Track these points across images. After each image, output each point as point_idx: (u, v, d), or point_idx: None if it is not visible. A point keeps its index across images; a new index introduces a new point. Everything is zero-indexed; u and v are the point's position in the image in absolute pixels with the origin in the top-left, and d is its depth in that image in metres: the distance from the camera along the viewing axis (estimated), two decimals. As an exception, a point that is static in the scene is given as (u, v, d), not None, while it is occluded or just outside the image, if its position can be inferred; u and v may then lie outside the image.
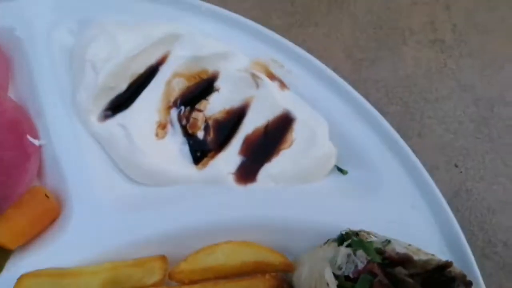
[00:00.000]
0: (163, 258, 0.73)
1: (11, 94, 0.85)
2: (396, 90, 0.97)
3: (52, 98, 0.82)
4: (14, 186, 0.78)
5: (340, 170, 0.84)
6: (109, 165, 0.81)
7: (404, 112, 0.95)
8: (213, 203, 0.78)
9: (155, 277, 0.72)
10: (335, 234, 0.75)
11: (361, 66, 0.97)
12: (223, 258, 0.75)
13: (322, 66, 0.86)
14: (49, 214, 0.75)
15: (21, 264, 0.72)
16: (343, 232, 0.70)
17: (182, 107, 0.84)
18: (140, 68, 0.84)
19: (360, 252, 0.63)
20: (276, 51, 0.87)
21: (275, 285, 0.74)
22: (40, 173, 0.80)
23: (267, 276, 0.74)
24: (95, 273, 0.69)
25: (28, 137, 0.80)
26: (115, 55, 0.81)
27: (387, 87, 0.97)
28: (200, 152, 0.82)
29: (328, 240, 0.74)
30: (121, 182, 0.80)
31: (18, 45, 0.85)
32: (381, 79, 0.97)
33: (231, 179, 0.80)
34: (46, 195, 0.75)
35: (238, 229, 0.77)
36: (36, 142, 0.80)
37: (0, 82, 0.85)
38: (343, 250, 0.63)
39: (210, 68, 0.85)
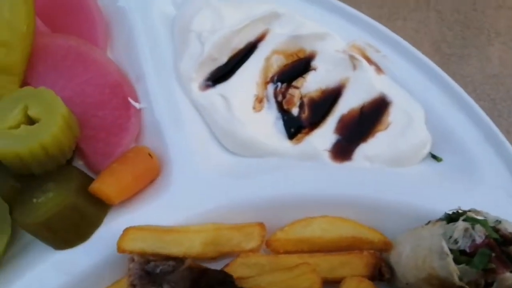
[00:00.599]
0: (261, 225, 0.73)
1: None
2: (483, 87, 0.97)
3: (153, 64, 0.84)
4: (116, 144, 0.79)
5: (435, 157, 0.83)
6: (207, 133, 0.83)
7: (492, 109, 0.95)
8: (309, 177, 0.78)
9: (253, 242, 0.72)
10: (432, 217, 0.74)
11: (449, 60, 0.98)
12: (319, 231, 0.75)
13: (418, 53, 0.87)
14: (151, 173, 0.76)
15: (121, 220, 0.73)
16: (450, 212, 0.70)
17: (279, 83, 0.86)
18: (240, 43, 0.86)
19: (478, 227, 0.62)
20: (372, 36, 0.89)
21: (373, 262, 0.73)
22: (139, 136, 0.82)
23: (364, 252, 0.73)
24: (198, 232, 0.70)
25: (130, 99, 0.83)
26: (220, 28, 0.85)
27: (475, 83, 0.97)
28: (294, 128, 0.83)
29: (429, 221, 0.74)
30: (217, 150, 0.82)
31: (119, 11, 0.89)
32: (468, 75, 0.98)
33: (326, 155, 0.80)
34: (149, 154, 0.76)
35: (333, 205, 0.77)
36: (136, 105, 0.83)
37: (101, 45, 0.89)
38: (461, 224, 0.62)
39: (308, 48, 0.87)
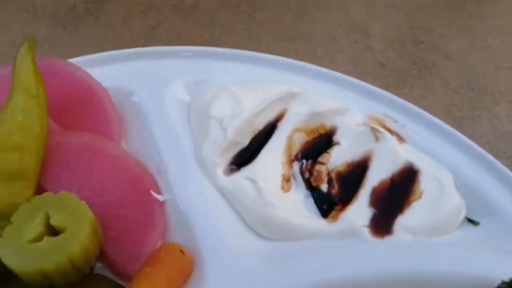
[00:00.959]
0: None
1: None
2: (498, 145, 0.98)
3: (173, 153, 0.82)
4: (143, 244, 0.74)
5: (472, 221, 0.81)
6: (237, 220, 0.79)
7: (510, 166, 0.95)
8: (352, 257, 0.74)
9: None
10: (488, 286, 0.71)
11: (461, 123, 0.99)
12: (373, 316, 0.69)
13: (434, 119, 0.88)
14: (185, 271, 0.70)
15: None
16: (508, 280, 0.66)
17: (304, 161, 0.84)
18: (260, 124, 0.85)
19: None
20: (387, 107, 0.90)
21: None
22: (166, 231, 0.77)
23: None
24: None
25: (152, 192, 0.79)
26: (240, 112, 0.84)
27: (490, 142, 0.98)
28: (326, 204, 0.81)
29: None
30: (249, 237, 0.77)
31: (133, 105, 0.88)
32: (482, 135, 0.99)
33: (367, 232, 0.77)
34: (181, 251, 0.71)
35: (384, 284, 0.73)
36: (160, 197, 0.79)
37: (116, 139, 0.86)
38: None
39: (328, 123, 0.87)
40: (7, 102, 0.77)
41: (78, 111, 0.87)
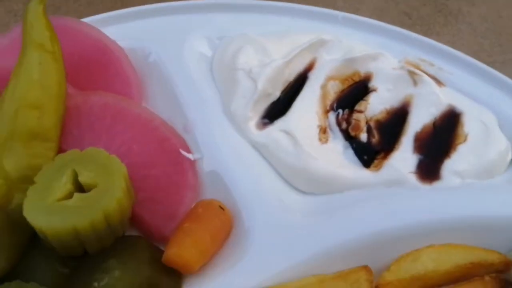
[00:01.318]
0: (366, 268, 0.63)
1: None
2: (533, 88, 0.95)
3: (199, 110, 0.76)
4: (178, 203, 0.69)
5: (519, 163, 0.78)
6: (274, 175, 0.74)
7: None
8: (403, 205, 0.69)
9: (363, 290, 0.62)
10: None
11: (493, 67, 0.96)
12: (431, 263, 0.65)
13: (472, 60, 0.84)
14: (226, 228, 0.66)
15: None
16: None
17: (340, 110, 0.79)
18: (291, 74, 0.80)
19: None
20: (421, 51, 0.85)
21: (498, 286, 0.64)
22: (201, 189, 0.71)
23: (486, 278, 0.64)
24: None
25: (182, 151, 0.74)
26: (269, 62, 0.79)
27: (525, 86, 0.95)
28: (368, 154, 0.76)
29: None
30: (289, 192, 0.72)
31: (152, 66, 0.82)
32: (515, 79, 0.96)
33: (414, 178, 0.72)
34: (220, 207, 0.66)
35: (436, 232, 0.67)
36: (191, 156, 0.73)
37: (136, 99, 0.81)
38: None
39: (362, 70, 0.81)
40: (21, 58, 0.71)
41: (94, 73, 0.80)
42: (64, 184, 0.60)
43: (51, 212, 0.58)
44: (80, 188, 0.62)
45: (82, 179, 0.61)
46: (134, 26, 0.85)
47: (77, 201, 0.59)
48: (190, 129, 0.76)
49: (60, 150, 0.71)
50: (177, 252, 0.59)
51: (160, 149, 0.73)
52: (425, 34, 0.99)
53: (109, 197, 0.58)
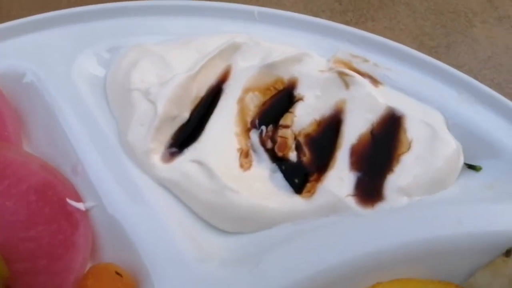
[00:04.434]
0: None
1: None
2: (483, 73, 0.86)
3: (90, 146, 0.63)
4: (65, 271, 0.57)
5: (472, 167, 0.69)
6: (189, 217, 0.63)
7: (501, 93, 0.85)
8: (341, 238, 0.59)
9: None
10: (508, 241, 0.60)
11: (438, 53, 0.87)
12: (379, 306, 0.57)
13: (409, 50, 0.75)
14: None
15: None
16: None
17: (264, 127, 0.69)
18: (200, 90, 0.69)
19: None
20: (352, 45, 0.76)
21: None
22: (95, 249, 0.60)
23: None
24: None
25: (68, 200, 0.62)
26: (170, 77, 0.67)
27: (473, 70, 0.86)
28: (299, 177, 0.66)
29: (508, 250, 0.59)
30: (209, 235, 0.62)
31: (28, 90, 0.69)
32: (463, 64, 0.86)
33: (353, 202, 0.63)
34: (117, 273, 0.55)
35: (381, 265, 0.59)
36: (80, 205, 0.61)
37: (13, 140, 0.68)
38: None
39: (285, 76, 0.71)
40: None
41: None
42: None
43: None
44: None
45: None
46: (4, 45, 0.71)
47: None
48: (80, 170, 0.63)
49: None
50: None
51: (41, 201, 0.61)
52: (359, 20, 0.90)
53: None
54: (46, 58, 0.69)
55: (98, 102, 0.68)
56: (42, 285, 0.55)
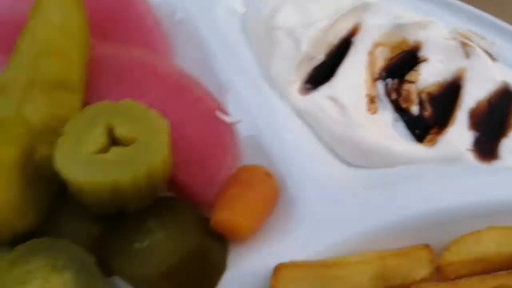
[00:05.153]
0: (428, 248, 0.59)
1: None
2: None
3: (234, 71, 0.71)
4: (217, 166, 0.64)
5: None
6: (319, 144, 0.69)
7: None
8: (462, 184, 0.65)
9: (424, 270, 0.57)
10: None
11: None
12: (495, 246, 0.61)
13: (525, 34, 0.82)
14: (274, 196, 0.61)
15: (254, 258, 0.55)
16: None
17: (389, 79, 0.75)
18: (334, 38, 0.76)
19: None
20: (472, 23, 0.82)
21: None
22: (239, 153, 0.66)
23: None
24: (362, 264, 0.54)
25: (218, 112, 0.68)
26: (312, 22, 0.74)
27: None
28: (420, 128, 0.71)
29: None
30: (335, 163, 0.68)
31: (180, 23, 0.77)
32: None
33: (471, 156, 0.69)
34: (266, 174, 0.61)
35: (495, 213, 0.63)
36: (227, 118, 0.68)
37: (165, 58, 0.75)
38: None
39: (411, 38, 0.77)
40: (37, 1, 0.65)
41: (117, 24, 0.75)
42: (98, 136, 0.54)
43: (88, 165, 0.52)
44: (114, 141, 0.57)
45: (120, 132, 0.55)
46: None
47: (116, 155, 0.53)
48: (225, 93, 0.71)
49: (85, 103, 0.66)
50: (229, 216, 0.55)
51: (193, 108, 0.69)
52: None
53: (153, 153, 0.53)
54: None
55: (239, 36, 0.75)
56: (197, 174, 0.61)
